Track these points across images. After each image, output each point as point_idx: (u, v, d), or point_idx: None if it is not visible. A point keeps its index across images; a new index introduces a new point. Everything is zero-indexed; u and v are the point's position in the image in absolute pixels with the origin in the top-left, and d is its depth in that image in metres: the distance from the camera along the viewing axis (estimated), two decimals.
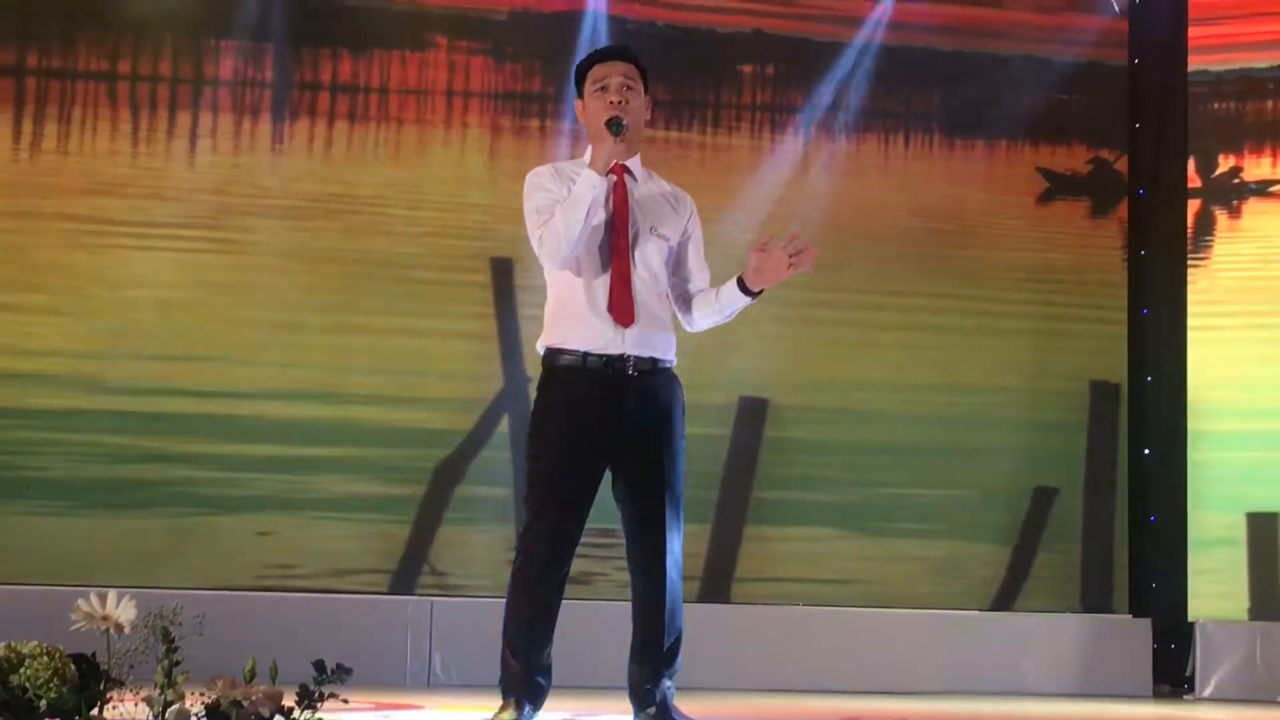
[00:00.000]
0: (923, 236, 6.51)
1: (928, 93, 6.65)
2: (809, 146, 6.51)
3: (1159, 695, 6.31)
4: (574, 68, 3.76)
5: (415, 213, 6.20)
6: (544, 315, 3.70)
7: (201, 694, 2.86)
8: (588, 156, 3.70)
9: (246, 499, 5.99)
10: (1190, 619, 6.29)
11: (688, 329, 3.79)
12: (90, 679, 2.86)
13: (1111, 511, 6.46)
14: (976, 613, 6.27)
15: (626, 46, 3.84)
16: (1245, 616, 6.28)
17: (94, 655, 2.89)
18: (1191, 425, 6.33)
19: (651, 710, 3.64)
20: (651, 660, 3.64)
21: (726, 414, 6.29)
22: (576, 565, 3.68)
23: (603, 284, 3.62)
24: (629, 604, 3.70)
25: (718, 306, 3.73)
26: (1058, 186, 6.64)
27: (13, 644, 2.88)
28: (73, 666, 2.87)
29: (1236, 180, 6.50)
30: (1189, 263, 6.46)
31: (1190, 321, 6.38)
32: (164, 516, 5.92)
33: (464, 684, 5.73)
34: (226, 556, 5.93)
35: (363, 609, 5.90)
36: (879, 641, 6.11)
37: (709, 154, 6.41)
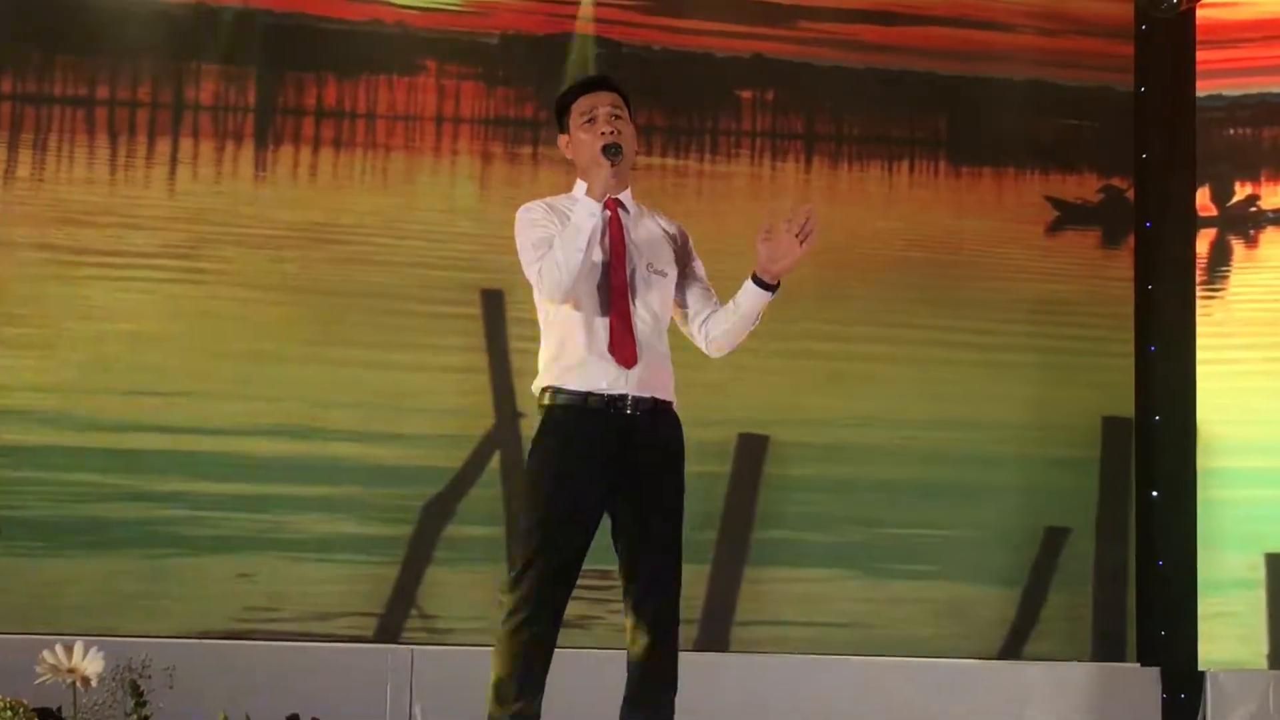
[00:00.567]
0: (927, 267, 6.35)
1: (932, 119, 6.50)
2: (810, 175, 6.41)
3: None
4: (556, 101, 3.78)
5: (402, 242, 6.05)
6: (540, 357, 3.70)
7: None
8: (577, 191, 3.70)
9: (225, 539, 5.79)
10: (1200, 667, 6.15)
11: (712, 353, 3.80)
12: None
13: (1125, 554, 6.34)
14: (981, 662, 6.14)
15: (608, 76, 3.88)
16: (1264, 664, 6.11)
17: (59, 710, 2.85)
18: (1202, 463, 6.20)
19: None
20: (645, 712, 3.64)
21: (725, 451, 6.15)
22: (572, 609, 3.67)
23: (603, 324, 3.62)
24: (624, 652, 3.68)
25: (736, 312, 3.71)
26: (1067, 216, 6.49)
27: None
28: None
29: (1254, 208, 6.39)
30: (1201, 294, 6.33)
31: (1201, 355, 6.24)
32: (138, 558, 5.72)
33: None
34: (204, 599, 5.74)
35: (342, 656, 5.75)
36: (881, 692, 5.97)
37: (706, 182, 6.29)
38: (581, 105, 3.73)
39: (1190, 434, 6.25)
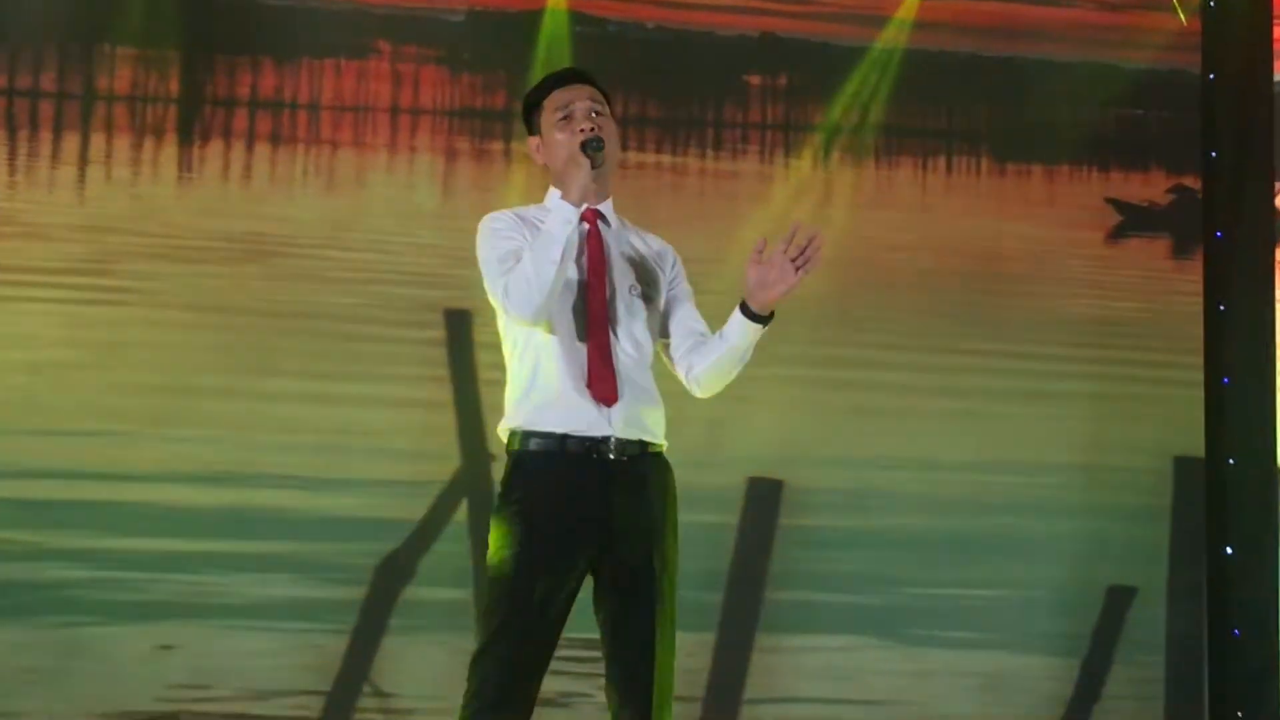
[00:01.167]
0: (966, 281, 6.15)
1: (973, 108, 6.32)
2: (829, 173, 6.20)
3: None
4: (524, 99, 3.67)
5: (352, 255, 5.84)
6: (506, 393, 3.53)
7: None
8: (550, 201, 3.56)
9: (144, 605, 5.52)
10: None
11: (697, 392, 3.65)
12: None
13: (1201, 620, 6.09)
14: None
15: (584, 69, 3.75)
16: None
17: None
18: None
19: None
20: None
21: (733, 499, 5.89)
22: (552, 684, 3.50)
23: (579, 354, 3.47)
24: None
25: (722, 345, 3.55)
26: (1131, 220, 6.29)
27: None
28: None
29: None
30: None
31: None
32: (42, 628, 5.47)
33: None
34: (121, 676, 5.48)
35: None
36: None
37: (709, 182, 6.11)
38: (555, 101, 3.59)
39: (1270, 480, 6.05)
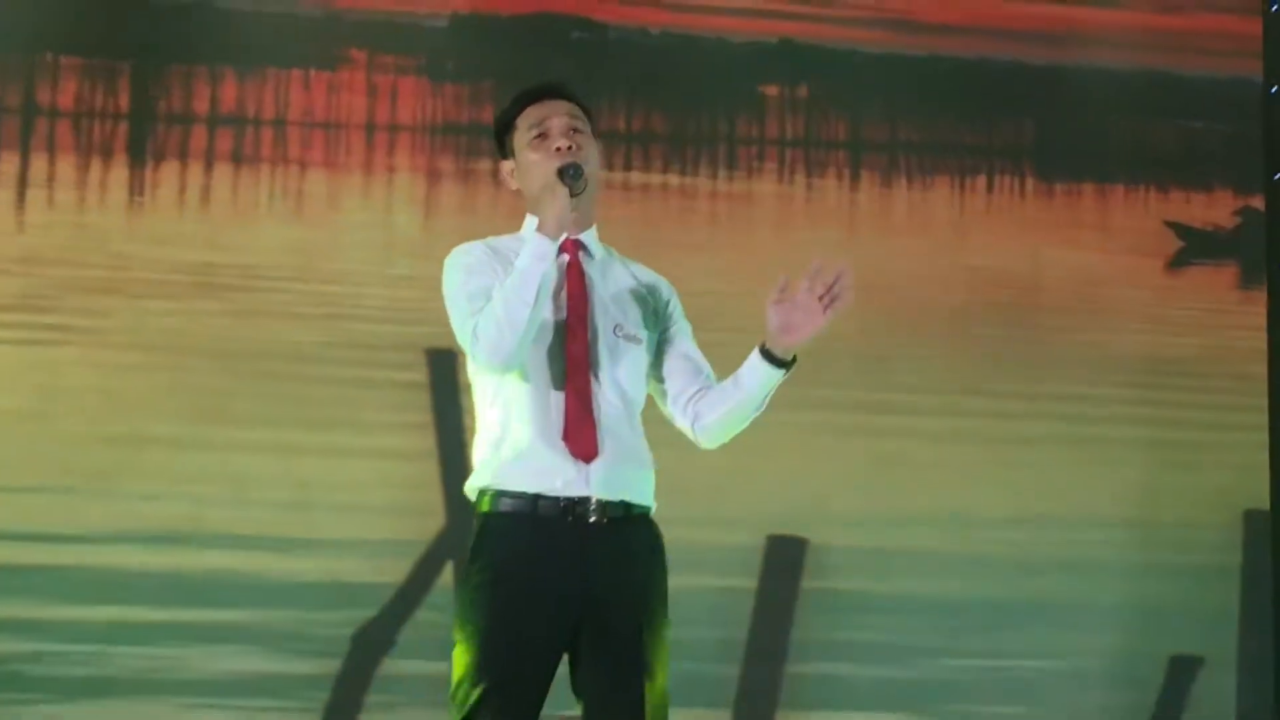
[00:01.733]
0: (1007, 315, 5.96)
1: (1016, 121, 6.14)
2: (856, 195, 6.01)
3: None
4: (495, 120, 3.59)
5: (323, 288, 5.67)
6: (474, 448, 3.45)
7: None
8: (526, 230, 3.47)
9: (90, 681, 5.31)
10: None
11: (703, 443, 3.51)
12: None
13: (1275, 689, 5.85)
14: None
15: (562, 83, 3.62)
16: None
17: None
18: None
19: None
20: None
21: (750, 559, 5.69)
22: None
23: (556, 404, 3.35)
24: None
25: (738, 392, 3.42)
26: (1194, 246, 6.10)
27: None
28: None
29: None
30: None
31: None
32: None
33: None
34: None
35: None
36: None
37: (722, 205, 5.93)
38: (529, 118, 3.47)
39: None
